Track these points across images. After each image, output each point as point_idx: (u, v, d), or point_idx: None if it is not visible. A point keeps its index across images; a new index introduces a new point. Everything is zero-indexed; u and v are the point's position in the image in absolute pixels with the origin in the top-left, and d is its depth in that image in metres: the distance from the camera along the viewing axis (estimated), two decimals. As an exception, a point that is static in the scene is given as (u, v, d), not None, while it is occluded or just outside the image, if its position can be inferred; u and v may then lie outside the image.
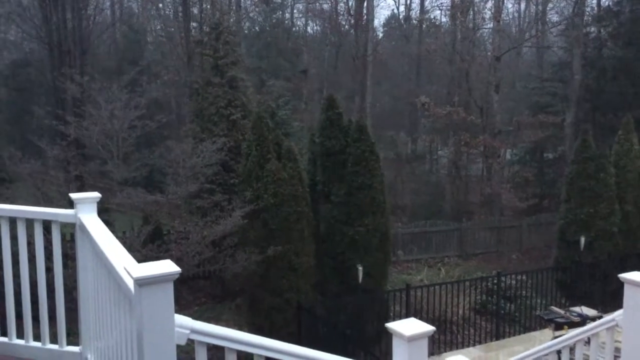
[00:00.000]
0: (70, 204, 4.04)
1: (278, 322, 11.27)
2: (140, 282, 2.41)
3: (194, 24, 25.49)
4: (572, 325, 9.79)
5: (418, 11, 34.71)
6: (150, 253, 10.25)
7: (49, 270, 4.13)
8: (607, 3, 25.73)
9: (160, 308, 2.46)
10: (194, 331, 2.68)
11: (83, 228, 3.73)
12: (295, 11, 35.43)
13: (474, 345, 12.03)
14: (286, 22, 33.52)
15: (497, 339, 12.15)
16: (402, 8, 38.39)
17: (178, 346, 2.60)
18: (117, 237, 3.37)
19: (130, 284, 2.50)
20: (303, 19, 36.37)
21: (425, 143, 30.68)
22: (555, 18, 29.60)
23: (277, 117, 18.10)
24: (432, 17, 33.78)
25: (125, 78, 13.55)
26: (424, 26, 31.90)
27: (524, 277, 13.72)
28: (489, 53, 26.20)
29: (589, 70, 23.69)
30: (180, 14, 26.11)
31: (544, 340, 7.41)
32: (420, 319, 3.17)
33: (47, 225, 4.12)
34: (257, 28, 30.08)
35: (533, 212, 22.08)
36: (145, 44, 30.45)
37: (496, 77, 23.61)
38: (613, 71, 22.86)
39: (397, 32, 38.54)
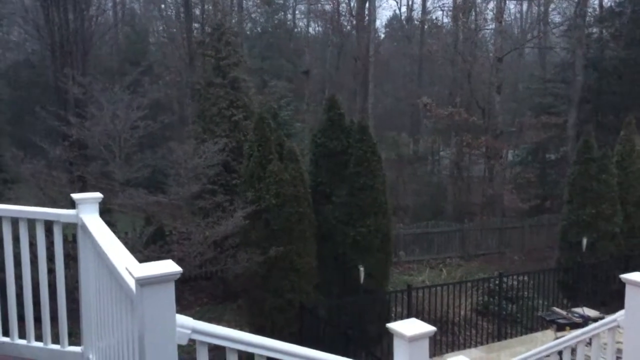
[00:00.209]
0: (72, 205, 4.05)
1: (279, 323, 11.27)
2: (142, 282, 2.42)
3: (196, 25, 25.54)
4: (574, 326, 9.77)
5: (420, 12, 34.73)
6: (152, 254, 10.26)
7: (51, 270, 4.13)
8: (609, 4, 25.74)
9: (161, 308, 2.47)
10: (195, 331, 2.68)
11: (85, 228, 3.74)
12: (297, 12, 35.49)
13: (475, 346, 12.02)
14: (288, 23, 33.56)
15: (499, 340, 12.13)
16: (404, 9, 38.43)
17: (179, 346, 2.61)
18: (119, 237, 3.38)
19: (132, 283, 2.51)
20: (305, 20, 36.41)
21: (427, 144, 30.68)
22: (557, 19, 29.61)
23: (279, 117, 18.12)
24: (434, 17, 33.81)
25: (127, 79, 13.54)
26: (425, 27, 31.93)
27: (526, 278, 13.70)
28: (491, 54, 26.20)
29: (591, 71, 23.68)
30: (182, 15, 26.17)
31: (545, 341, 7.40)
32: (422, 319, 3.17)
33: (49, 226, 4.13)
34: (259, 29, 30.14)
35: (535, 213, 22.06)
36: (148, 44, 30.51)
37: (498, 78, 23.60)
38: (615, 72, 22.85)
39: (399, 32, 38.56)
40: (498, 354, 11.24)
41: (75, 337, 4.24)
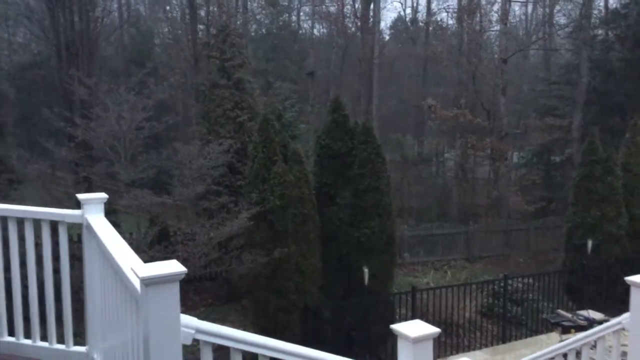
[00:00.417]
0: (78, 205, 4.06)
1: (284, 324, 11.27)
2: (147, 282, 2.42)
3: (201, 27, 25.60)
4: (579, 328, 9.75)
5: (425, 14, 34.71)
6: (157, 254, 10.28)
7: (56, 270, 4.15)
8: (614, 5, 25.69)
9: (166, 308, 2.48)
10: (199, 331, 2.69)
11: (90, 229, 3.75)
12: (301, 14, 35.53)
13: (480, 348, 11.99)
14: (293, 24, 33.59)
15: (504, 342, 12.11)
16: (408, 10, 38.42)
17: (183, 346, 2.62)
18: (123, 238, 3.39)
19: (137, 283, 2.52)
20: (309, 22, 36.44)
21: (432, 146, 30.64)
22: (562, 20, 29.56)
23: (284, 119, 18.13)
24: (438, 19, 33.76)
25: (132, 80, 13.59)
26: (430, 28, 31.90)
27: (531, 280, 13.67)
28: (495, 55, 26.14)
29: (596, 72, 23.62)
30: (187, 17, 26.23)
31: (550, 344, 7.38)
32: (426, 321, 3.17)
33: (54, 226, 4.15)
34: (263, 30, 30.17)
35: (540, 215, 22.00)
36: (153, 46, 30.58)
37: (503, 79, 23.56)
38: (620, 73, 22.78)
39: (404, 34, 38.55)
40: (503, 356, 11.20)
41: (80, 337, 4.26)
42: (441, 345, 11.52)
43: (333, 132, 12.90)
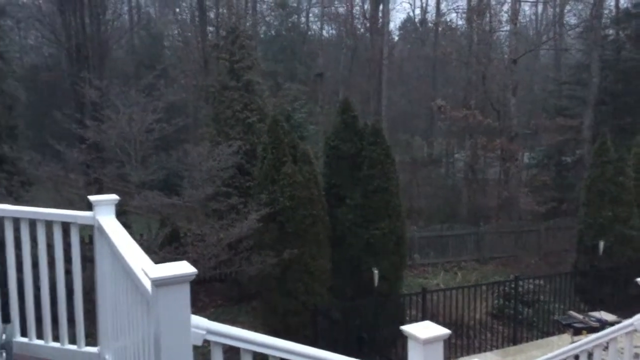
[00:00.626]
0: (89, 207, 4.08)
1: (293, 325, 11.27)
2: (158, 283, 2.43)
3: (211, 29, 25.70)
4: (591, 330, 9.68)
5: (434, 14, 34.60)
6: (167, 255, 10.32)
7: (68, 271, 4.18)
8: (625, 5, 25.48)
9: (177, 308, 2.49)
10: (210, 332, 2.70)
11: (101, 230, 3.77)
12: (310, 15, 35.55)
13: (491, 350, 11.94)
14: (302, 25, 33.61)
15: (515, 344, 12.04)
16: (417, 11, 38.37)
17: (194, 348, 2.62)
18: (134, 239, 3.41)
19: (148, 284, 2.53)
20: (319, 23, 36.45)
21: (442, 146, 30.56)
22: (572, 20, 29.37)
23: (293, 120, 18.15)
24: (448, 20, 33.66)
25: (142, 82, 13.64)
26: (440, 29, 31.81)
27: (542, 282, 13.59)
28: (505, 56, 26.04)
29: (607, 72, 23.45)
30: (197, 19, 26.35)
31: (562, 346, 7.33)
32: (437, 323, 3.16)
33: (66, 228, 4.17)
34: (273, 32, 30.23)
35: (551, 216, 21.87)
36: (163, 48, 30.74)
37: (513, 80, 23.45)
38: (632, 73, 22.60)
39: (413, 35, 38.46)
40: (513, 358, 11.15)
41: (91, 338, 4.28)
42: (451, 347, 11.48)
43: (342, 133, 12.90)
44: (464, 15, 29.27)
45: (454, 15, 34.84)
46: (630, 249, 14.64)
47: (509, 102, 23.43)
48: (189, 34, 28.04)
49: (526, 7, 32.50)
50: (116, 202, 4.06)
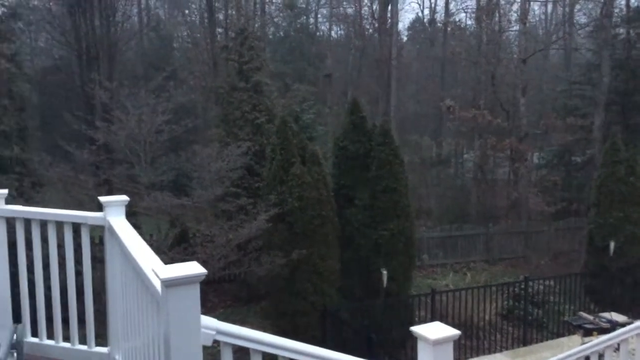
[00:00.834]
0: (99, 207, 4.11)
1: (302, 326, 11.28)
2: (168, 283, 2.45)
3: (220, 30, 25.75)
4: (602, 331, 9.63)
5: (443, 14, 34.54)
6: (177, 256, 10.36)
7: (79, 272, 4.20)
8: (636, 4, 25.28)
9: (186, 309, 2.50)
10: (219, 332, 2.71)
11: (112, 230, 3.79)
12: (319, 16, 35.59)
13: (500, 351, 11.90)
14: (310, 26, 33.64)
15: (525, 345, 12.00)
16: (426, 11, 38.31)
17: (203, 348, 2.63)
18: (144, 240, 3.42)
19: (158, 285, 2.54)
20: (327, 24, 36.50)
21: (450, 147, 30.47)
22: (582, 20, 29.20)
23: (302, 121, 18.17)
24: (457, 20, 33.58)
25: (152, 83, 13.71)
26: (448, 29, 31.72)
27: (552, 283, 13.53)
28: (515, 55, 25.92)
29: (618, 72, 23.29)
30: (206, 20, 26.42)
31: (572, 347, 7.30)
32: (446, 324, 3.15)
33: (76, 228, 4.20)
34: (281, 33, 30.26)
35: (561, 217, 21.74)
36: (172, 50, 30.85)
37: (523, 79, 23.34)
38: (643, 73, 22.45)
39: (422, 35, 38.38)
40: (524, 358, 11.11)
41: (101, 338, 4.31)
42: (461, 348, 11.45)
43: (351, 134, 12.89)
44: (473, 15, 29.19)
45: (463, 15, 34.85)
46: (641, 249, 14.54)
47: (518, 102, 23.32)
48: (198, 35, 28.13)
49: (536, 7, 32.41)
50: (126, 202, 4.08)
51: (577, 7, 28.44)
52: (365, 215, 12.37)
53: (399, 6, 28.84)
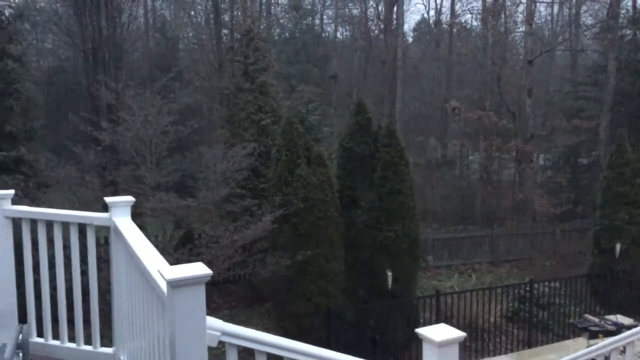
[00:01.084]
0: (105, 208, 4.12)
1: (307, 327, 11.27)
2: (173, 284, 2.45)
3: (225, 31, 25.81)
4: (607, 334, 9.58)
5: (448, 15, 34.45)
6: (182, 256, 10.37)
7: (84, 273, 4.21)
8: (643, 5, 25.19)
9: (192, 310, 2.50)
10: (225, 333, 2.71)
11: (117, 231, 3.80)
12: (324, 17, 35.58)
13: (505, 353, 11.87)
14: (316, 28, 33.64)
15: (530, 347, 11.96)
16: (432, 12, 38.22)
17: (208, 349, 2.64)
18: (149, 240, 3.43)
19: (163, 285, 2.55)
20: (333, 25, 36.47)
21: (456, 148, 30.43)
22: (589, 21, 29.13)
23: (307, 122, 18.15)
24: (462, 21, 33.54)
25: (158, 84, 13.74)
26: (454, 30, 31.68)
27: (558, 285, 13.48)
28: (521, 57, 25.87)
29: (624, 73, 23.20)
30: (211, 21, 26.48)
31: (577, 349, 7.27)
32: (451, 325, 3.14)
33: (82, 229, 4.21)
34: (287, 34, 30.27)
35: (567, 219, 21.68)
36: (178, 51, 30.90)
37: (528, 81, 23.29)
38: (649, 74, 22.35)
39: (427, 36, 38.34)
40: (529, 361, 11.07)
41: (107, 339, 4.32)
42: (465, 350, 11.42)
43: (356, 135, 12.89)
44: (479, 16, 29.17)
45: (468, 16, 34.72)
46: (648, 251, 14.48)
47: (524, 103, 23.27)
48: (204, 36, 28.18)
49: (542, 8, 32.28)
50: (132, 203, 4.09)
51: (584, 8, 28.38)
52: (370, 216, 12.36)
53: (405, 7, 28.89)
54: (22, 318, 4.32)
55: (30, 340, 4.18)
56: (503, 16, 26.09)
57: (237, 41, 19.71)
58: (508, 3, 26.48)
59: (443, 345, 2.94)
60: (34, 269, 4.31)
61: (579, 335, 11.08)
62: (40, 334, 4.39)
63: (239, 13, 25.22)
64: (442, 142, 30.94)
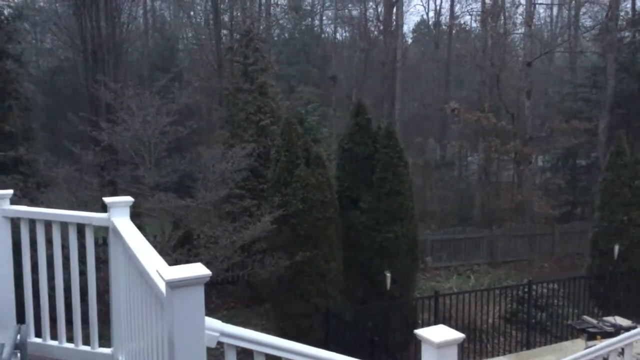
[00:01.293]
0: (103, 208, 4.12)
1: (306, 328, 11.26)
2: (172, 285, 2.45)
3: (225, 32, 25.81)
4: (605, 335, 9.59)
5: (448, 17, 34.53)
6: (181, 257, 10.37)
7: (82, 273, 4.21)
8: (642, 7, 25.24)
9: (191, 310, 2.50)
10: (223, 334, 2.71)
11: (116, 231, 3.80)
12: (324, 18, 35.61)
13: (504, 354, 11.86)
14: (315, 28, 33.67)
15: (528, 348, 11.95)
16: (431, 14, 38.30)
17: (207, 350, 2.63)
18: (148, 241, 3.43)
19: (162, 286, 2.54)
20: (332, 26, 36.52)
21: (455, 149, 30.46)
22: (588, 23, 29.18)
23: (306, 123, 18.17)
24: (462, 22, 33.57)
25: (157, 85, 13.75)
26: (453, 32, 31.73)
27: (556, 286, 13.48)
28: (520, 58, 25.89)
29: (623, 75, 23.24)
30: (211, 22, 26.48)
31: (576, 351, 7.26)
32: (449, 326, 3.14)
33: (80, 229, 4.21)
34: (286, 35, 30.30)
35: (565, 220, 21.71)
36: (177, 51, 30.92)
37: (527, 82, 23.31)
38: (648, 76, 22.39)
39: (427, 37, 38.39)
40: (527, 362, 11.07)
41: (105, 339, 4.31)
42: (464, 351, 11.42)
43: (355, 136, 12.89)
44: (478, 18, 29.22)
45: (468, 17, 34.79)
46: (646, 253, 14.48)
47: (523, 104, 23.29)
48: (203, 36, 28.19)
49: (541, 10, 32.40)
50: (131, 203, 4.09)
51: (583, 10, 28.42)
52: (369, 217, 12.36)
53: (404, 8, 28.91)
54: (21, 318, 4.32)
55: (29, 340, 4.18)
56: (502, 18, 26.12)
57: (236, 42, 19.71)
58: (507, 4, 26.53)
59: (442, 346, 2.94)
60: (33, 269, 4.30)
61: (577, 337, 11.08)
62: (38, 334, 4.38)
63: (239, 13, 25.22)
64: (441, 143, 30.96)
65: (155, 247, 3.32)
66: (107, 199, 4.08)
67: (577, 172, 25.06)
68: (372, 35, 30.47)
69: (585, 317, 11.57)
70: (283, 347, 2.94)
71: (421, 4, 53.24)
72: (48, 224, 4.22)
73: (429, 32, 38.20)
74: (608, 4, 23.79)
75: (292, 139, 11.92)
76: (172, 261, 9.25)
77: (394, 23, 27.06)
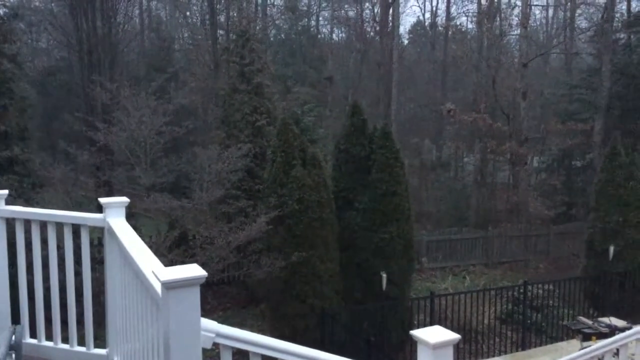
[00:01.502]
0: (99, 209, 4.10)
1: (302, 328, 11.27)
2: (168, 286, 2.44)
3: (221, 32, 25.77)
4: (601, 336, 9.61)
5: (444, 18, 34.61)
6: (176, 258, 10.35)
7: (78, 273, 4.20)
8: (637, 9, 25.37)
9: (186, 311, 2.49)
10: (219, 335, 2.70)
11: (111, 232, 3.79)
12: (320, 18, 35.62)
13: (499, 354, 11.88)
14: (312, 29, 33.68)
15: (523, 349, 11.98)
16: (427, 15, 38.35)
17: (203, 351, 2.63)
18: (143, 241, 3.42)
19: (158, 287, 2.54)
20: (328, 26, 36.53)
21: (451, 150, 30.51)
22: (583, 24, 29.25)
23: (302, 123, 18.16)
24: (458, 23, 33.64)
25: (153, 85, 13.73)
26: (449, 33, 31.77)
27: (551, 287, 13.51)
28: (515, 60, 25.95)
29: (618, 76, 23.32)
30: (207, 22, 26.44)
31: (571, 351, 7.29)
32: (445, 327, 3.14)
33: (76, 230, 4.19)
34: (282, 35, 30.30)
35: (561, 221, 21.75)
36: (173, 51, 30.88)
37: (523, 83, 23.35)
38: (643, 78, 22.48)
39: (423, 38, 38.46)
40: (522, 363, 11.09)
41: (100, 340, 4.30)
42: (459, 352, 11.44)
43: (351, 137, 12.89)
44: (474, 19, 29.23)
45: (464, 18, 34.96)
46: (641, 254, 14.53)
47: (518, 106, 23.32)
48: (200, 37, 28.16)
49: (537, 11, 32.50)
50: (126, 204, 4.07)
51: (578, 11, 28.49)
52: (365, 218, 12.36)
53: (400, 9, 28.92)
54: (15, 319, 4.30)
55: (23, 341, 4.16)
56: (498, 19, 26.17)
57: (232, 42, 19.69)
58: (503, 6, 26.59)
59: (438, 347, 2.94)
60: (28, 270, 4.29)
61: (572, 338, 11.10)
62: (33, 335, 4.37)
63: (235, 14, 25.20)
64: (437, 144, 31.01)
65: (150, 247, 3.31)
66: (102, 200, 4.06)
67: (573, 173, 25.13)
68: (368, 36, 30.50)
69: (580, 317, 11.60)
70: (279, 348, 2.93)
71: (417, 5, 53.42)
72: (43, 225, 4.21)
73: (425, 33, 38.28)
74: (603, 5, 23.88)
75: (288, 139, 11.92)
76: (168, 262, 9.24)
77: (390, 24, 27.09)
